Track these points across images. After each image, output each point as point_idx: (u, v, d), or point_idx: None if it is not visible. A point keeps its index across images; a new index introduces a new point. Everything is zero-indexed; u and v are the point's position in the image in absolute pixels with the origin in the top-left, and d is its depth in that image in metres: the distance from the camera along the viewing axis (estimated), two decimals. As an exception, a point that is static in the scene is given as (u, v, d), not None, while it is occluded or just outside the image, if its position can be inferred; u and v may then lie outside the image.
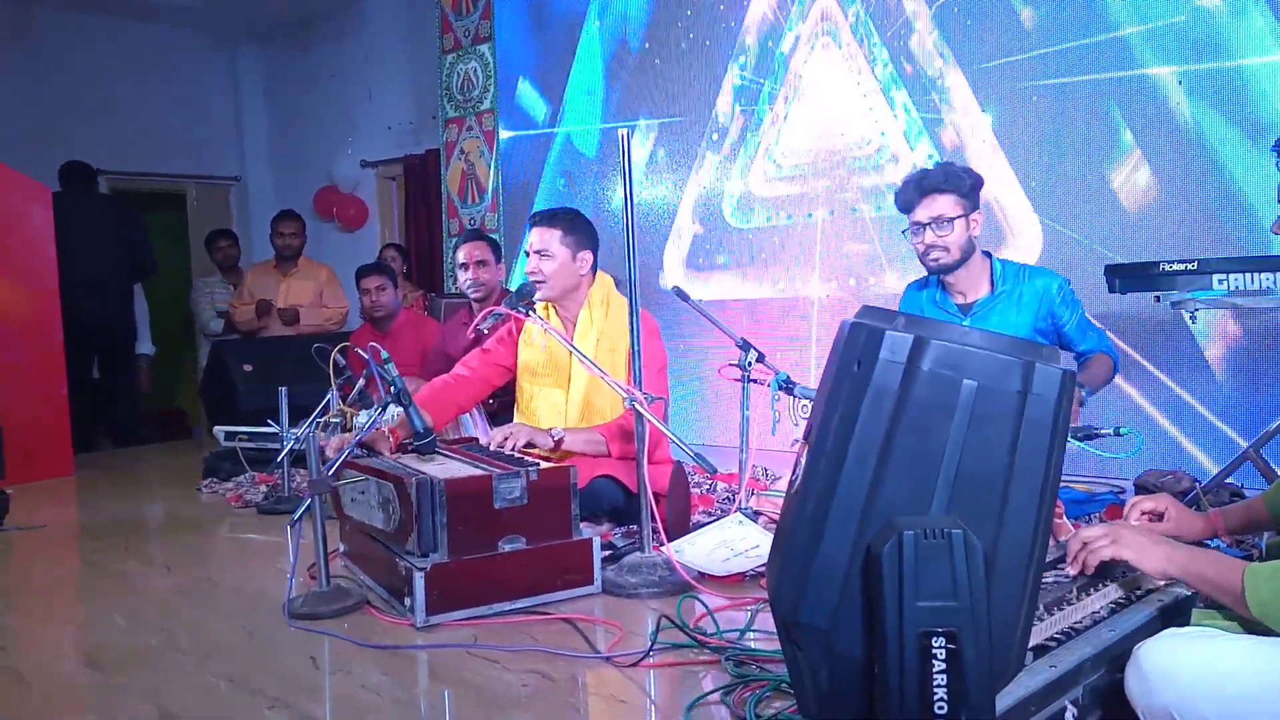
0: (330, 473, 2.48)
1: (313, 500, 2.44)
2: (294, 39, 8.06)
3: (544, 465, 2.46)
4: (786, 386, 2.89)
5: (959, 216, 2.73)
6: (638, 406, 2.44)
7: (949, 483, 1.06)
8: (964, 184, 2.72)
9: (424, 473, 2.39)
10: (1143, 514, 1.93)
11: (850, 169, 4.53)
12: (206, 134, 8.26)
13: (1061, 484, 2.95)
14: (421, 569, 2.24)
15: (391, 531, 2.39)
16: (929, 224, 2.73)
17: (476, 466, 2.52)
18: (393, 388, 2.63)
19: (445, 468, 2.53)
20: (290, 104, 8.27)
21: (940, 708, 0.96)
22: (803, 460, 1.20)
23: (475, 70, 5.91)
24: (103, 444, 6.10)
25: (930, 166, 2.91)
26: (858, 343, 1.12)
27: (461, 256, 3.97)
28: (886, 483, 1.07)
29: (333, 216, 7.79)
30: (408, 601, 2.26)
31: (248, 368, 5.44)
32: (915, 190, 2.74)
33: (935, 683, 0.96)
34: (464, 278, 3.99)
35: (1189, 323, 2.74)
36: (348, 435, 2.83)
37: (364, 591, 2.50)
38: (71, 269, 5.26)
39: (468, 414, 3.44)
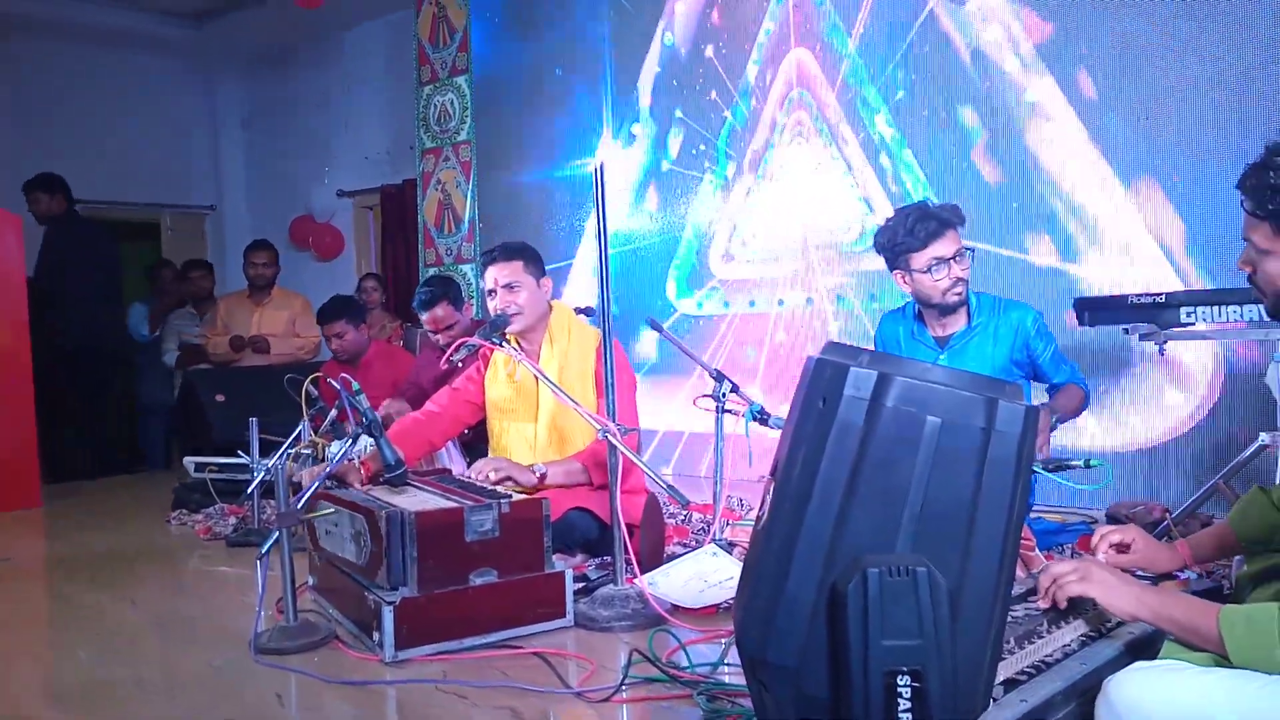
0: (299, 505, 2.45)
1: (280, 533, 2.41)
2: (273, 69, 8.07)
3: (516, 497, 2.45)
4: (761, 417, 2.89)
5: (970, 250, 2.75)
6: (611, 439, 2.43)
7: (914, 519, 1.06)
8: (962, 219, 2.76)
9: (395, 505, 2.37)
10: (1110, 546, 1.93)
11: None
12: (183, 163, 8.24)
13: (1034, 514, 2.97)
14: (390, 603, 2.21)
15: (362, 565, 2.36)
16: (953, 258, 2.73)
17: (448, 499, 2.50)
18: (364, 418, 2.61)
19: (417, 500, 2.50)
20: (268, 133, 8.27)
21: (906, 746, 0.95)
22: (769, 495, 1.19)
23: (452, 102, 5.93)
24: (80, 473, 6.00)
25: (924, 204, 2.91)
26: (823, 379, 1.12)
27: (427, 323, 4.06)
28: (852, 520, 1.07)
29: (309, 246, 7.76)
30: (376, 636, 2.23)
31: (220, 398, 5.40)
32: (936, 224, 2.71)
33: (901, 721, 0.95)
34: (436, 340, 4.06)
35: (1158, 355, 2.77)
36: (319, 467, 2.79)
37: (333, 626, 2.46)
38: (60, 291, 5.25)
39: (442, 448, 3.41)
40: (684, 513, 3.58)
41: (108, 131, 7.60)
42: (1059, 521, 2.98)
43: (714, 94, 4.96)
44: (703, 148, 5.02)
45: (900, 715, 0.96)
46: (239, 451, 3.89)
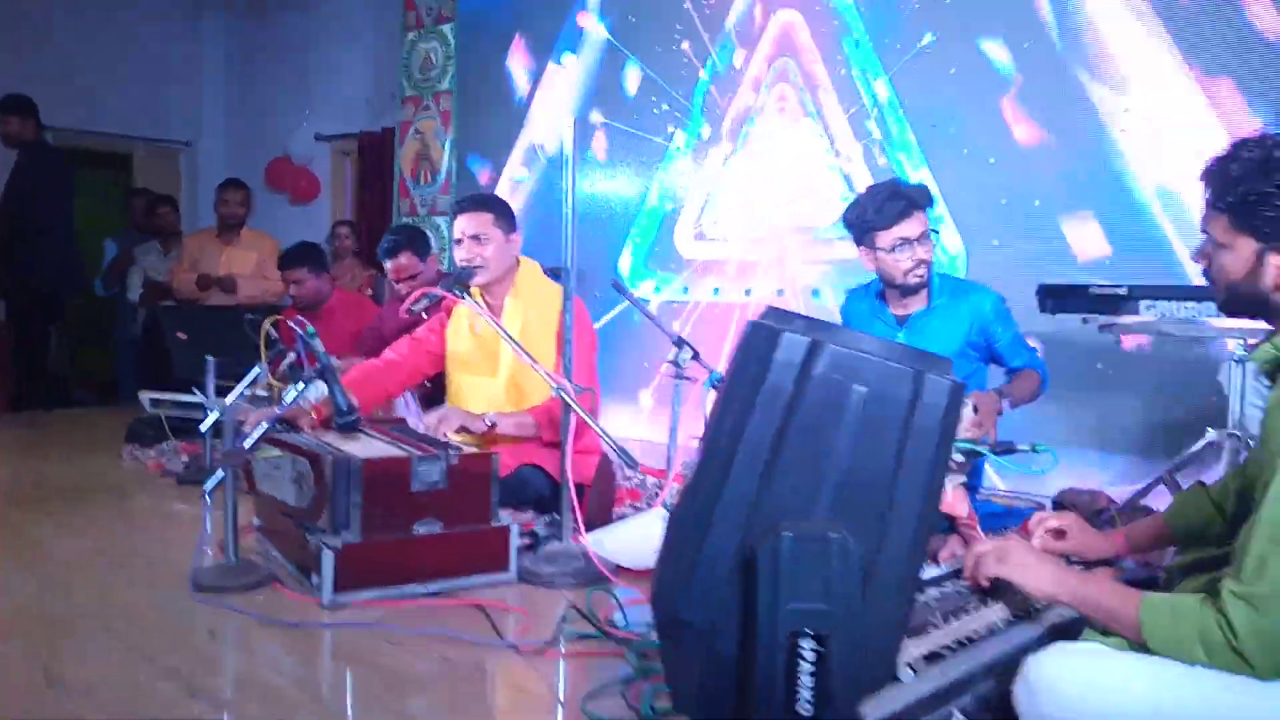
0: (247, 446, 2.43)
1: (225, 472, 2.39)
2: (258, 7, 7.91)
3: (467, 450, 2.44)
4: (720, 385, 2.88)
5: (926, 234, 2.75)
6: (564, 396, 2.42)
7: (836, 486, 1.06)
8: (931, 201, 2.75)
9: (343, 451, 2.36)
10: (1046, 531, 1.95)
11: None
12: (162, 97, 8.06)
13: (981, 497, 2.99)
14: (332, 547, 2.20)
15: (304, 508, 2.35)
16: (917, 239, 2.73)
17: (398, 447, 2.49)
18: (319, 362, 2.58)
19: (366, 447, 2.49)
20: (250, 73, 8.11)
21: (806, 709, 0.95)
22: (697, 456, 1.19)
23: (435, 50, 5.85)
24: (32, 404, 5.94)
25: (892, 183, 2.90)
26: (756, 343, 1.12)
27: (391, 273, 4.00)
28: (775, 484, 1.07)
29: (285, 189, 7.66)
30: (315, 579, 2.23)
31: (182, 335, 5.34)
32: (905, 204, 2.71)
33: (802, 683, 0.95)
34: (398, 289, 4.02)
35: (1116, 345, 2.79)
36: (270, 409, 2.77)
37: (273, 567, 2.46)
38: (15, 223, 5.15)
39: (399, 397, 3.40)
40: (638, 475, 3.58)
41: (86, 59, 7.43)
42: (1006, 505, 3.01)
43: (687, 44, 4.86)
44: (666, 107, 4.92)
45: (802, 678, 0.96)
46: (195, 389, 3.86)
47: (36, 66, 7.03)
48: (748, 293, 4.72)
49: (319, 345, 2.63)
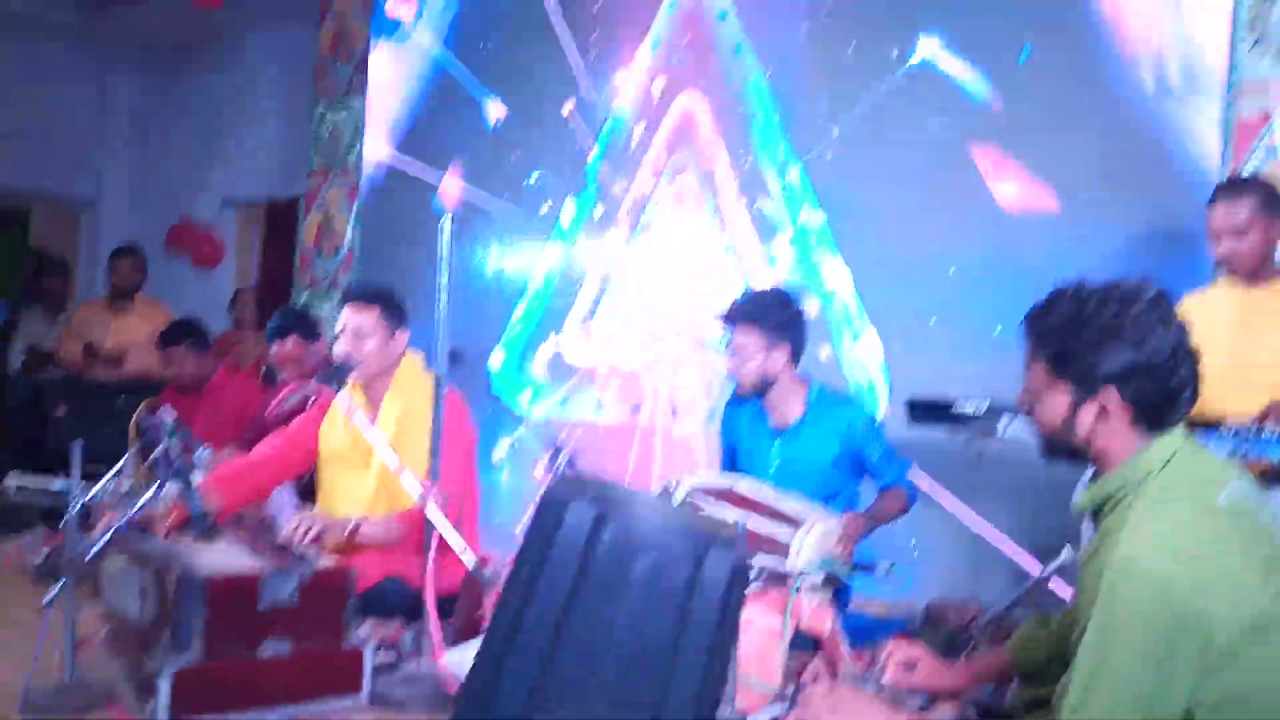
0: (92, 553, 2.33)
1: (66, 583, 2.28)
2: (168, 65, 7.81)
3: (323, 562, 2.37)
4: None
5: (756, 351, 2.80)
6: (430, 506, 2.38)
7: (621, 653, 1.08)
8: (770, 320, 2.80)
9: (188, 561, 2.27)
10: (897, 665, 1.96)
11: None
12: (63, 154, 7.87)
13: (854, 608, 3.01)
14: (168, 669, 2.10)
15: (146, 624, 2.25)
16: (735, 349, 2.82)
17: (255, 558, 2.40)
18: (172, 461, 2.50)
19: (217, 557, 2.40)
20: (157, 132, 7.99)
21: None
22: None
23: (345, 121, 5.83)
24: None
25: (756, 290, 2.99)
26: (549, 509, 1.15)
27: (273, 356, 3.91)
28: (562, 646, 1.09)
29: (187, 253, 7.50)
30: (151, 704, 2.12)
31: (61, 410, 5.16)
32: (726, 317, 2.83)
33: None
34: (281, 374, 3.92)
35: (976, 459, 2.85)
36: (118, 511, 2.66)
37: (114, 686, 2.34)
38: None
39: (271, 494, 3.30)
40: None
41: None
42: (878, 616, 3.03)
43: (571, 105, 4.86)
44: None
45: None
46: (58, 473, 3.70)
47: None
48: (635, 409, 4.62)
49: (178, 445, 2.55)
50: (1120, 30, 3.47)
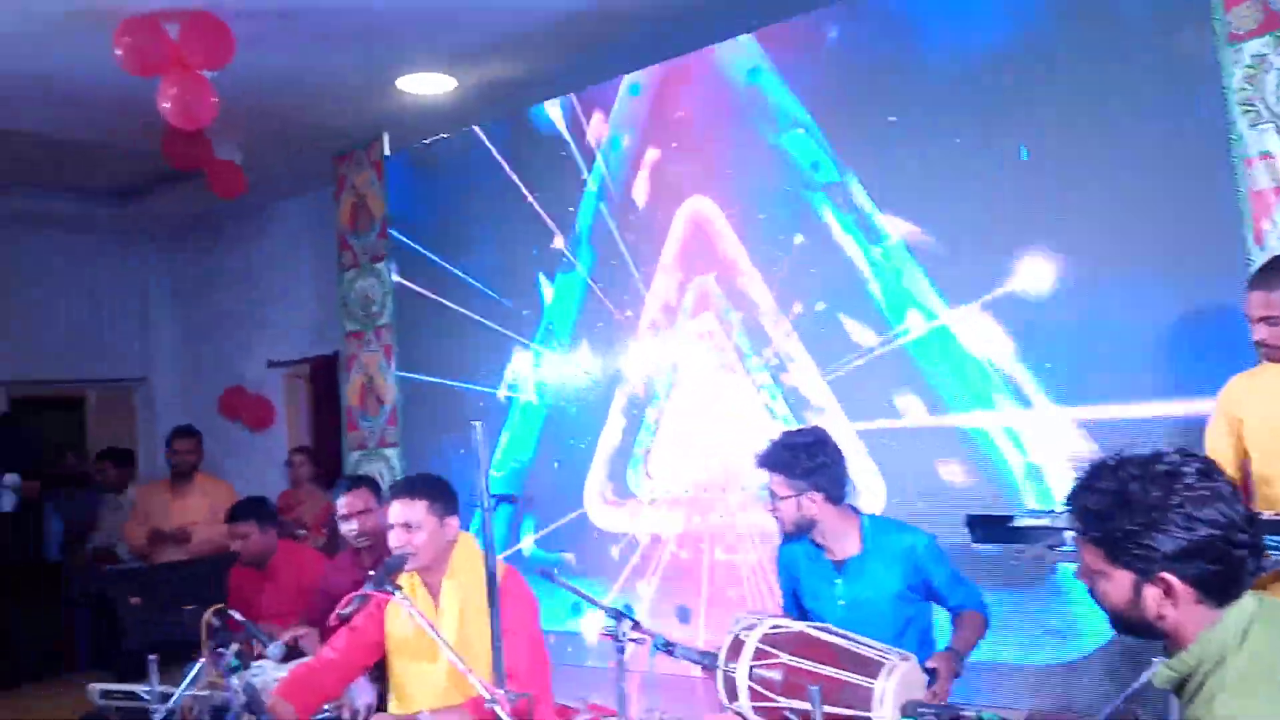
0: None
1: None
2: (201, 242, 8.11)
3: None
4: (667, 648, 2.83)
5: (788, 497, 2.79)
6: (498, 711, 2.35)
7: None
8: (797, 467, 2.78)
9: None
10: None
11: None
12: (111, 336, 8.16)
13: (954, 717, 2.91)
14: None
15: None
16: (771, 493, 2.83)
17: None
18: (245, 694, 2.52)
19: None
20: (197, 304, 8.24)
21: None
22: None
23: (374, 286, 5.97)
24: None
25: (788, 432, 2.96)
26: None
27: (342, 508, 3.90)
28: None
29: (239, 417, 7.67)
30: None
31: (135, 600, 5.22)
32: (757, 463, 2.85)
33: None
34: (346, 528, 3.91)
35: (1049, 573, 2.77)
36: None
37: None
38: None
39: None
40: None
41: (34, 309, 7.53)
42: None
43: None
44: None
45: None
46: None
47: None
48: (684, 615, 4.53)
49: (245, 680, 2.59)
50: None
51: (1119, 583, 1.50)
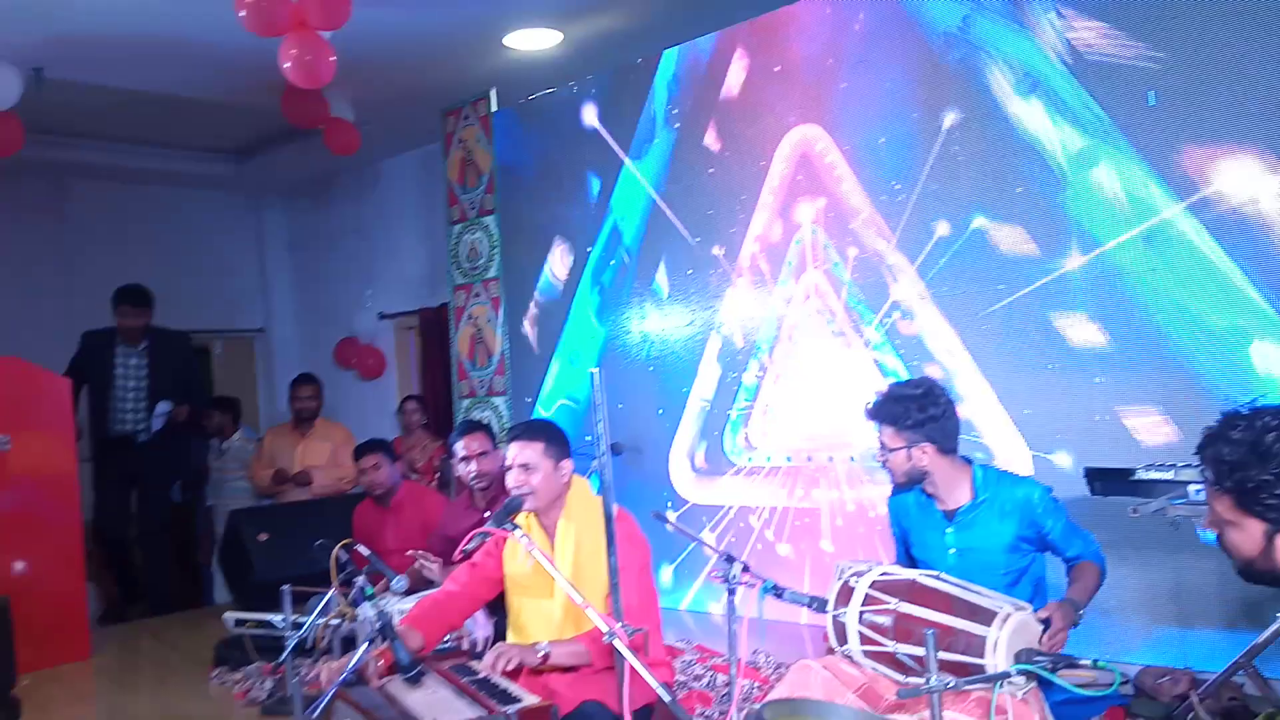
0: (317, 712, 2.51)
1: (296, 734, 2.47)
2: (316, 198, 8.40)
3: (526, 702, 2.48)
4: (776, 591, 2.89)
5: (899, 449, 2.78)
6: (616, 644, 2.45)
7: None
8: (907, 418, 2.78)
9: (406, 710, 2.42)
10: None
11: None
12: (233, 289, 8.57)
13: (1062, 675, 2.90)
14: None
15: (374, 777, 2.41)
16: (882, 448, 2.84)
17: (460, 698, 2.54)
18: (379, 620, 2.68)
19: (429, 698, 2.55)
20: (312, 258, 8.57)
21: None
22: None
23: (481, 240, 6.11)
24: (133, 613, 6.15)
25: (897, 384, 2.96)
26: None
27: (460, 450, 4.05)
28: None
29: (353, 367, 7.97)
30: None
31: (263, 537, 5.53)
32: (867, 415, 2.85)
33: None
34: (464, 470, 4.07)
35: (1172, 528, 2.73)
36: (337, 665, 2.85)
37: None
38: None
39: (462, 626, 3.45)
40: (709, 673, 3.57)
41: (163, 264, 7.90)
42: (1086, 689, 2.89)
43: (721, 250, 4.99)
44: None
45: None
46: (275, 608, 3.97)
47: (118, 280, 7.53)
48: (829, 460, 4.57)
49: (376, 606, 2.75)
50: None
51: (1250, 532, 1.50)
